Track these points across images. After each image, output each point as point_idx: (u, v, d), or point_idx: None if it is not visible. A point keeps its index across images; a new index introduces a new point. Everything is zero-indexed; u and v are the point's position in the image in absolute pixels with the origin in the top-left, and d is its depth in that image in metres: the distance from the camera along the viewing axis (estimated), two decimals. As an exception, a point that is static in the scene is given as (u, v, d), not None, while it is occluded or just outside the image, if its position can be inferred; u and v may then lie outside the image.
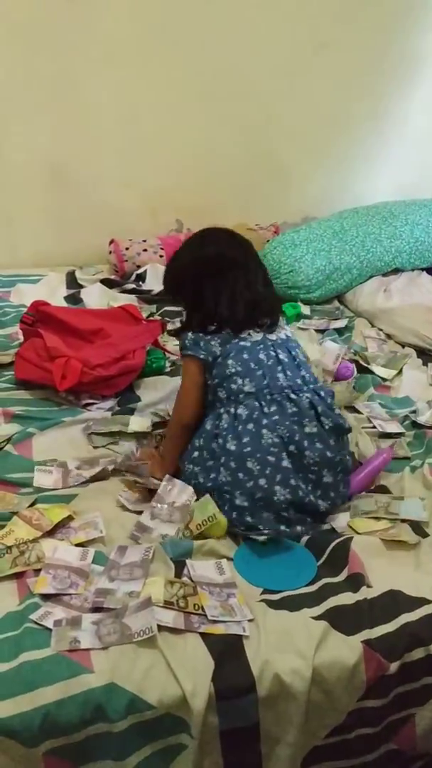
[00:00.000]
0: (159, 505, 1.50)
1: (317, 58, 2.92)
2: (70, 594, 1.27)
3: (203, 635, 1.20)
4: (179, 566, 1.36)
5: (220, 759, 1.18)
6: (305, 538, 1.45)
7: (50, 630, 1.18)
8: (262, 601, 1.30)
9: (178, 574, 1.34)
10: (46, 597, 1.25)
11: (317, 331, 2.49)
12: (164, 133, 2.87)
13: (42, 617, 1.20)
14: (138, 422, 1.84)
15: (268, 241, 2.88)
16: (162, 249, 2.86)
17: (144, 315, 2.36)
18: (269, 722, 1.19)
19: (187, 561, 1.37)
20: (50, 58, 2.53)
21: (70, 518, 1.48)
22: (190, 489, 1.52)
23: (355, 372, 2.19)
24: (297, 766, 1.23)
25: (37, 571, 1.32)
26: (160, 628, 1.19)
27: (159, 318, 2.44)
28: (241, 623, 1.23)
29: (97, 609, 1.24)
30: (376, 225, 2.80)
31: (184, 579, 1.32)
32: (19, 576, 1.31)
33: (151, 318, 2.41)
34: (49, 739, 1.07)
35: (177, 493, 1.52)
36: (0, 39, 2.44)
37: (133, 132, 2.82)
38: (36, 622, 1.19)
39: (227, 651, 1.18)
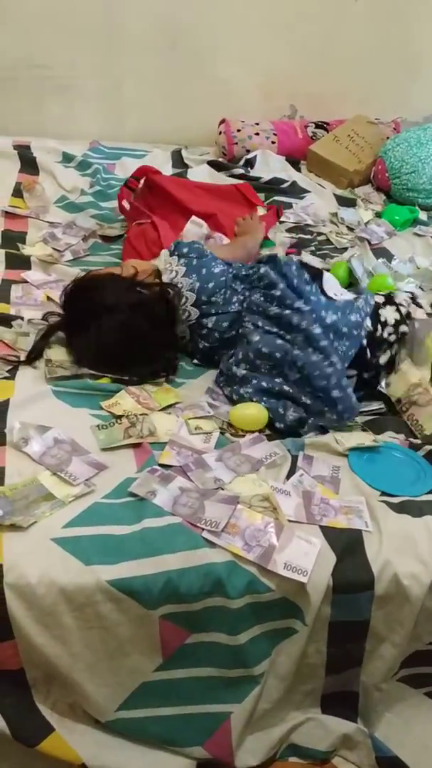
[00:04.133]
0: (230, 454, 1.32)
1: None
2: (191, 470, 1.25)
3: (323, 528, 1.17)
4: (293, 461, 1.32)
5: (324, 648, 1.18)
6: (428, 448, 1.39)
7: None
8: (383, 502, 1.26)
9: (293, 470, 1.30)
10: (166, 468, 1.24)
11: (435, 239, 2.33)
12: (290, 8, 2.64)
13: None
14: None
15: (388, 137, 2.67)
16: (275, 135, 2.69)
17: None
18: (379, 621, 1.17)
19: (300, 463, 1.32)
20: None
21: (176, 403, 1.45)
22: (271, 448, 1.35)
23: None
24: (397, 666, 1.23)
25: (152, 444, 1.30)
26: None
27: (274, 205, 2.31)
28: (364, 518, 1.19)
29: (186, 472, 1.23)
30: None
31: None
32: (135, 445, 1.29)
33: (265, 203, 2.28)
34: (167, 604, 1.07)
35: (257, 449, 1.35)
36: None
37: (258, 5, 2.60)
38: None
39: (348, 547, 1.15)
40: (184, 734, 1.14)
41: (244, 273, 1.57)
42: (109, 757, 1.11)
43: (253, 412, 1.41)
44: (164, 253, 1.62)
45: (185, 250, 1.58)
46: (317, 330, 1.40)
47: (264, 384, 1.43)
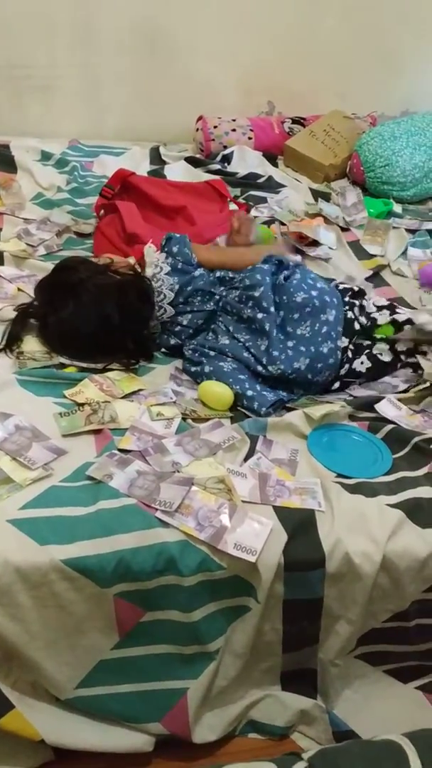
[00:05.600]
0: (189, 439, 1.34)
1: None
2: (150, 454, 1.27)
3: (277, 509, 1.20)
4: (252, 445, 1.35)
5: (280, 626, 1.21)
6: (387, 428, 1.41)
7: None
8: (337, 482, 1.28)
9: (251, 453, 1.33)
10: (125, 452, 1.27)
11: (408, 230, 2.36)
12: (266, 6, 2.67)
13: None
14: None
15: (364, 132, 2.70)
16: (251, 131, 2.72)
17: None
18: (333, 599, 1.20)
19: (258, 446, 1.34)
20: None
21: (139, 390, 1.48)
22: (230, 433, 1.37)
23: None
24: (353, 644, 1.25)
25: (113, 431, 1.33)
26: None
27: (243, 202, 2.34)
28: (317, 499, 1.22)
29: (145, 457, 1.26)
30: None
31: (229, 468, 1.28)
32: (96, 431, 1.32)
33: (237, 200, 2.31)
34: (121, 583, 1.10)
35: (216, 433, 1.37)
36: None
37: (236, 3, 2.63)
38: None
39: (301, 526, 1.18)
40: (142, 710, 1.16)
41: (229, 276, 1.62)
42: (68, 734, 1.14)
43: (219, 390, 1.46)
44: (148, 248, 1.65)
45: (175, 249, 1.61)
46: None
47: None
